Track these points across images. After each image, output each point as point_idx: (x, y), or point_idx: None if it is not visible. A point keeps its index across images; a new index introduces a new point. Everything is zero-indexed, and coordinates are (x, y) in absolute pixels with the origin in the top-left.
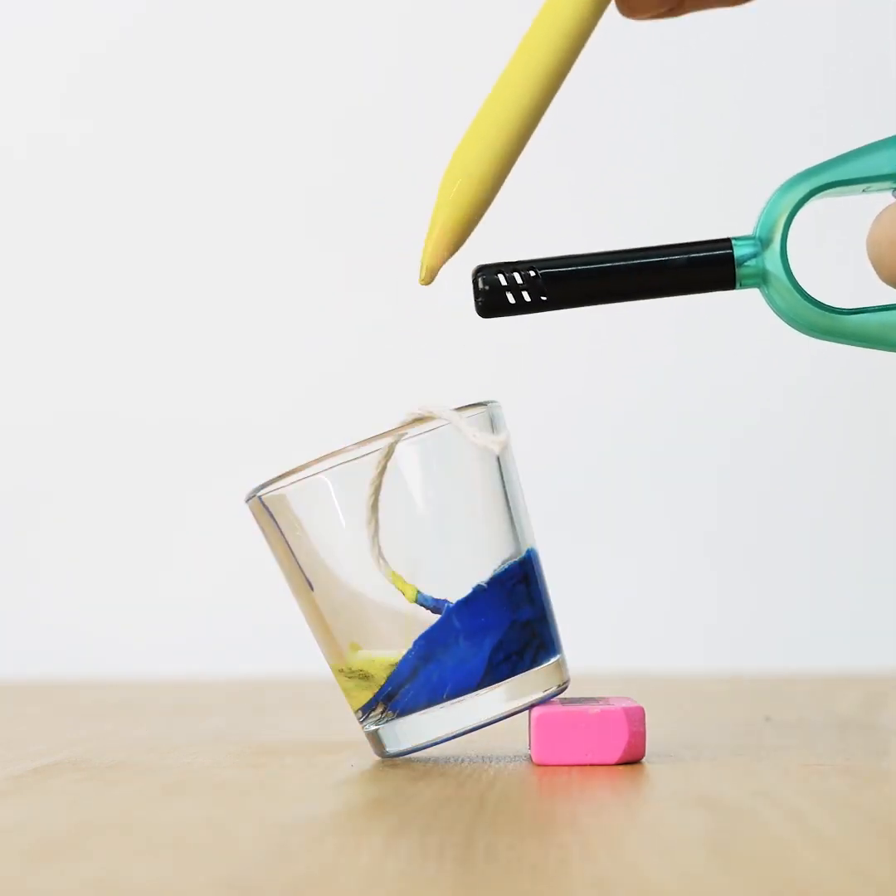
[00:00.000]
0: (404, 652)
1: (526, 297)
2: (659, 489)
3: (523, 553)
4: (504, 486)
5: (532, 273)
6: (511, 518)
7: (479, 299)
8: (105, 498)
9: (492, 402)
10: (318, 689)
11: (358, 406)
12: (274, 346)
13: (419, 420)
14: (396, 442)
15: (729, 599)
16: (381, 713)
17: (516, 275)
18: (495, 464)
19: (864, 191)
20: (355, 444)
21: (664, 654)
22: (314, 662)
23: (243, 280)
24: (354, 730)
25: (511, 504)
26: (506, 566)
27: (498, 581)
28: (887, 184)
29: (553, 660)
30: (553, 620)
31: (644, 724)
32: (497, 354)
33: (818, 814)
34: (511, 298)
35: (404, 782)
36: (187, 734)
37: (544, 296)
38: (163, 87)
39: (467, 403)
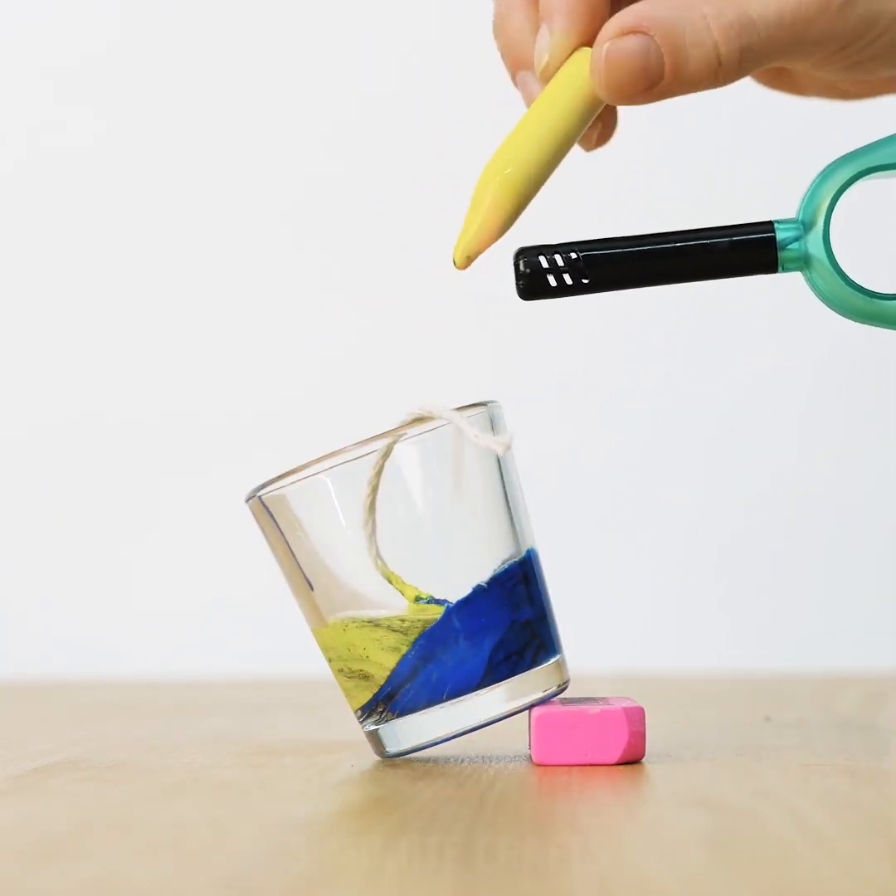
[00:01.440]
0: (392, 615)
1: (567, 279)
2: (660, 489)
3: (523, 553)
4: (504, 486)
5: (574, 255)
6: (511, 518)
7: (521, 282)
8: (105, 498)
9: (492, 402)
10: (318, 689)
11: (358, 406)
12: (273, 346)
13: (419, 420)
14: (394, 442)
15: (729, 600)
16: (381, 713)
17: (558, 257)
18: (495, 464)
19: None
20: (355, 443)
21: (664, 654)
22: (314, 662)
23: (243, 280)
24: (354, 730)
25: (511, 504)
26: (506, 566)
27: (498, 581)
28: None
29: (553, 660)
30: (553, 620)
31: (644, 724)
32: (497, 354)
33: (818, 814)
34: (552, 281)
35: (404, 782)
36: (187, 734)
37: (586, 278)
38: (159, 86)
39: (468, 403)
